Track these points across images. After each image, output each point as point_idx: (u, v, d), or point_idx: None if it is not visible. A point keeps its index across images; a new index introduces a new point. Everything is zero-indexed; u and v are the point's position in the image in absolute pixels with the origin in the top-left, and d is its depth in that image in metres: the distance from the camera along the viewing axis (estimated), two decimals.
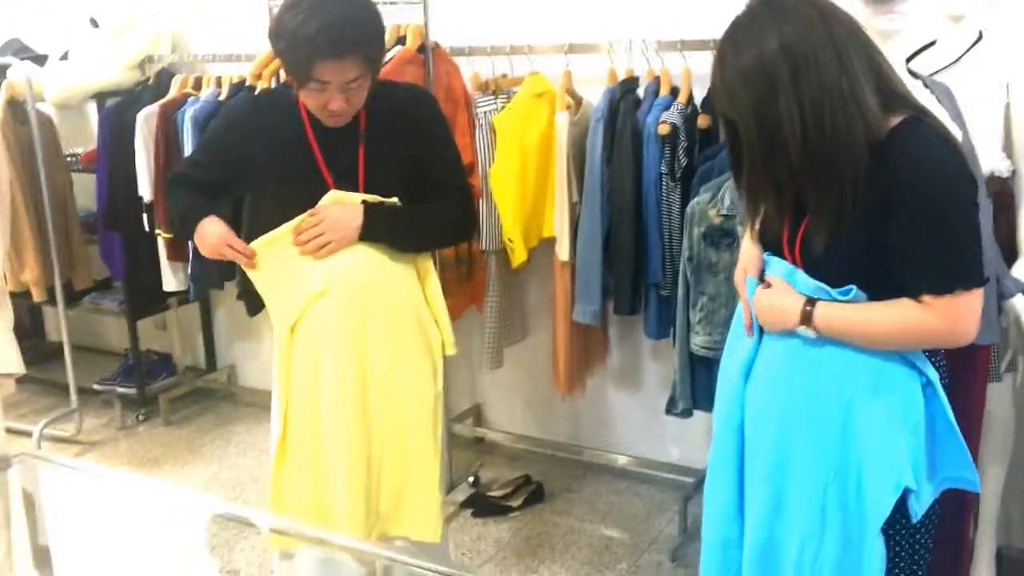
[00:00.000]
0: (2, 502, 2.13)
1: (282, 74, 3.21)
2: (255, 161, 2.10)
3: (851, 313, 1.54)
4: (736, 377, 1.70)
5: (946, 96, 2.16)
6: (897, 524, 1.60)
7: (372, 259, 2.07)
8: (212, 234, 2.07)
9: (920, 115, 1.52)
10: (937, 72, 2.32)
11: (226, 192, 2.25)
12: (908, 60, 2.28)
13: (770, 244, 1.67)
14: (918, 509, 1.57)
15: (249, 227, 2.70)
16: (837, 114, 1.45)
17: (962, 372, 2.23)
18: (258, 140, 2.10)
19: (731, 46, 1.52)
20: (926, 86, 2.15)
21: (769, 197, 1.60)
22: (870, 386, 1.56)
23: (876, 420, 1.56)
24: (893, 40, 2.11)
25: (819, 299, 1.56)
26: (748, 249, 1.74)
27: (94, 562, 1.82)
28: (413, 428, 2.14)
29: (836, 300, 1.56)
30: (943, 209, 1.47)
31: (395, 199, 2.08)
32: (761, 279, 1.68)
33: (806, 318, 1.56)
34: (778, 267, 1.64)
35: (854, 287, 1.54)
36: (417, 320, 2.15)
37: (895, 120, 1.50)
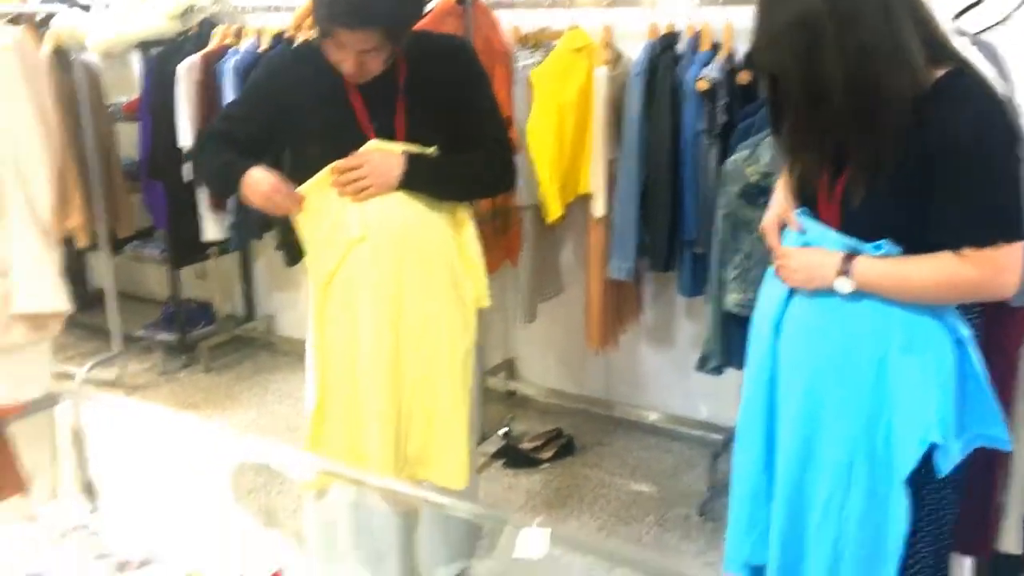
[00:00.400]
0: (50, 437, 2.22)
1: None
2: (294, 113, 2.11)
3: (890, 265, 1.54)
4: (768, 332, 1.71)
5: (992, 55, 2.12)
6: (924, 479, 1.62)
7: (410, 208, 2.09)
8: (262, 181, 2.05)
9: (965, 67, 1.51)
10: (984, 31, 2.28)
11: (262, 147, 2.20)
12: (955, 17, 2.24)
13: (808, 197, 1.66)
14: (945, 465, 1.58)
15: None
16: (882, 67, 1.44)
17: (998, 332, 2.22)
18: (298, 91, 2.11)
19: None
20: (973, 44, 2.11)
21: (810, 150, 1.59)
22: (903, 342, 1.57)
23: (908, 375, 1.56)
24: None
25: (857, 253, 1.56)
26: (782, 201, 1.74)
27: (136, 495, 1.89)
28: (445, 376, 2.17)
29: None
30: (985, 161, 1.46)
31: (433, 149, 2.10)
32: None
33: (844, 270, 1.56)
34: (811, 228, 1.63)
35: (885, 242, 1.54)
36: (452, 271, 2.17)
37: (940, 72, 1.49)
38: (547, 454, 3.32)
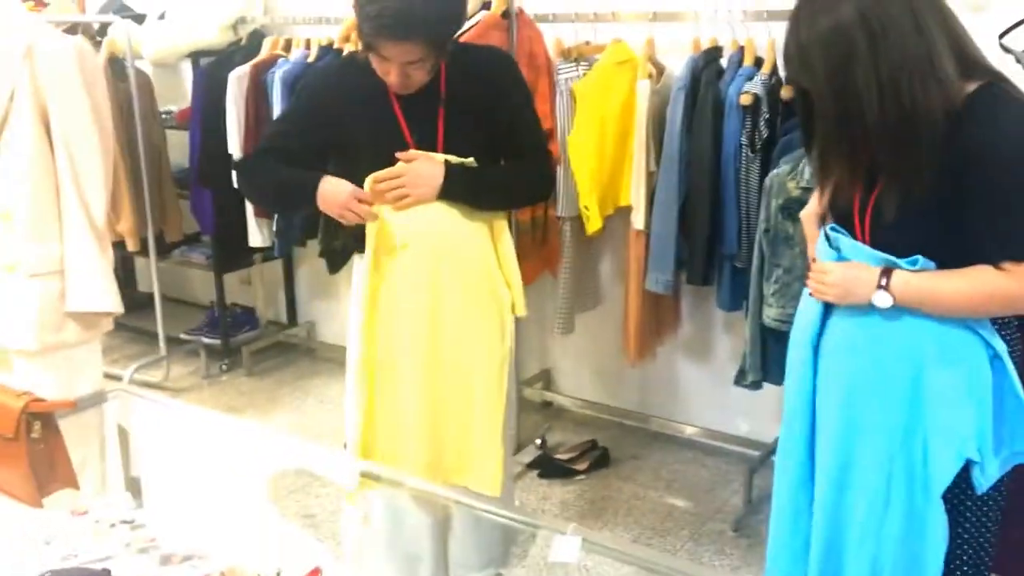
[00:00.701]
0: (98, 433, 2.28)
1: None
2: (341, 123, 2.15)
3: (929, 279, 1.54)
4: (806, 347, 1.71)
5: None
6: (962, 495, 1.61)
7: (448, 217, 2.12)
8: (341, 191, 2.05)
9: (997, 81, 1.50)
10: None
11: (314, 159, 2.20)
12: (1002, 36, 2.23)
13: (841, 212, 1.66)
14: (983, 482, 1.57)
15: None
16: (915, 83, 1.44)
17: None
18: (344, 102, 2.15)
19: (807, 12, 1.51)
20: (1018, 61, 2.11)
21: (842, 165, 1.59)
22: (938, 356, 1.56)
23: (943, 390, 1.56)
24: (985, 12, 2.08)
25: (901, 267, 1.56)
26: (809, 228, 1.76)
27: (180, 493, 1.94)
28: (481, 384, 2.19)
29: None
30: (1019, 175, 1.45)
31: (472, 160, 2.13)
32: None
33: (882, 284, 1.55)
34: (844, 244, 1.63)
35: (920, 257, 1.54)
36: (489, 280, 2.20)
37: (972, 87, 1.49)
38: (582, 465, 3.33)
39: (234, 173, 3.71)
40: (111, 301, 2.25)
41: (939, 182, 1.49)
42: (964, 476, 1.58)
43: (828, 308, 1.68)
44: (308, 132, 2.18)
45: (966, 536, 1.65)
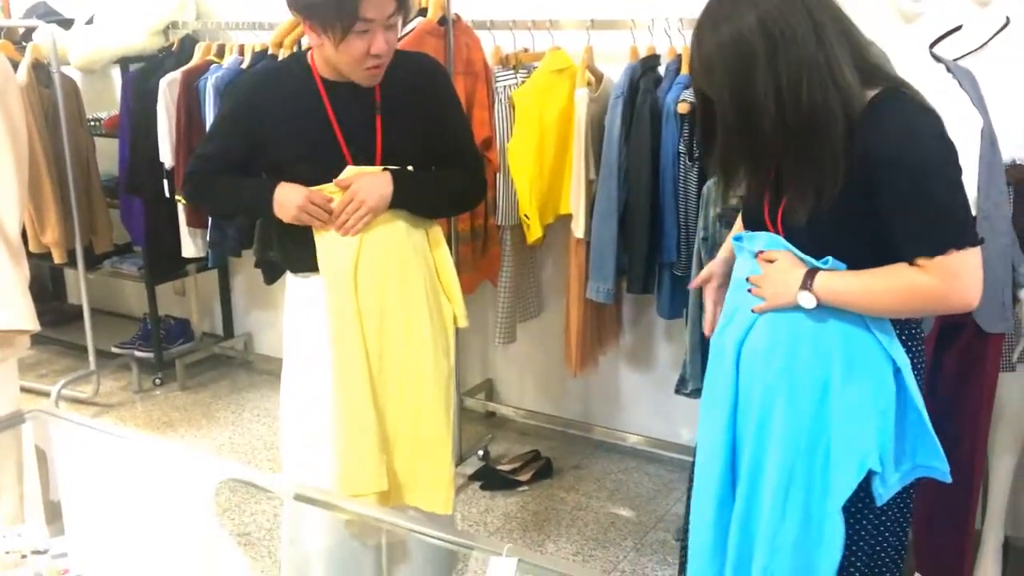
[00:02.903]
0: (15, 456, 2.17)
1: (304, 42, 3.22)
2: (273, 139, 2.07)
3: (852, 278, 1.55)
4: (730, 355, 1.70)
5: (969, 82, 2.14)
6: (862, 505, 1.62)
7: (394, 229, 2.08)
8: (297, 194, 2.01)
9: (898, 86, 1.53)
10: (962, 57, 2.30)
11: (246, 172, 2.15)
12: (932, 45, 2.26)
13: (752, 219, 1.67)
14: (883, 492, 1.58)
15: None
16: (815, 89, 1.46)
17: (974, 361, 2.23)
18: (271, 113, 2.06)
19: (709, 21, 1.52)
20: (949, 71, 2.13)
21: (744, 172, 1.60)
22: (845, 368, 1.57)
23: (848, 402, 1.57)
24: (917, 22, 2.09)
25: (820, 268, 1.57)
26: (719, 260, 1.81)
27: (104, 519, 1.86)
28: (429, 401, 2.14)
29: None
30: (925, 175, 1.47)
31: (409, 168, 2.09)
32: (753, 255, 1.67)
33: (808, 284, 1.56)
34: (762, 238, 1.64)
35: (831, 258, 1.55)
36: (431, 291, 2.15)
37: (873, 93, 1.51)
38: (525, 476, 3.30)
39: (165, 182, 3.67)
40: (26, 319, 2.13)
41: (846, 186, 1.50)
42: (864, 487, 1.59)
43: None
44: (237, 150, 2.12)
45: (863, 545, 1.65)
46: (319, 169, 2.04)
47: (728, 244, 1.85)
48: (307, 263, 2.10)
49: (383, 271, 2.08)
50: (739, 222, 1.83)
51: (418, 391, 2.14)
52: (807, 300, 1.56)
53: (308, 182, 2.04)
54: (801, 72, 1.46)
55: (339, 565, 2.25)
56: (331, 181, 2.04)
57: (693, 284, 1.83)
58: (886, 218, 1.50)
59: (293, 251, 2.14)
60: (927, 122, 1.49)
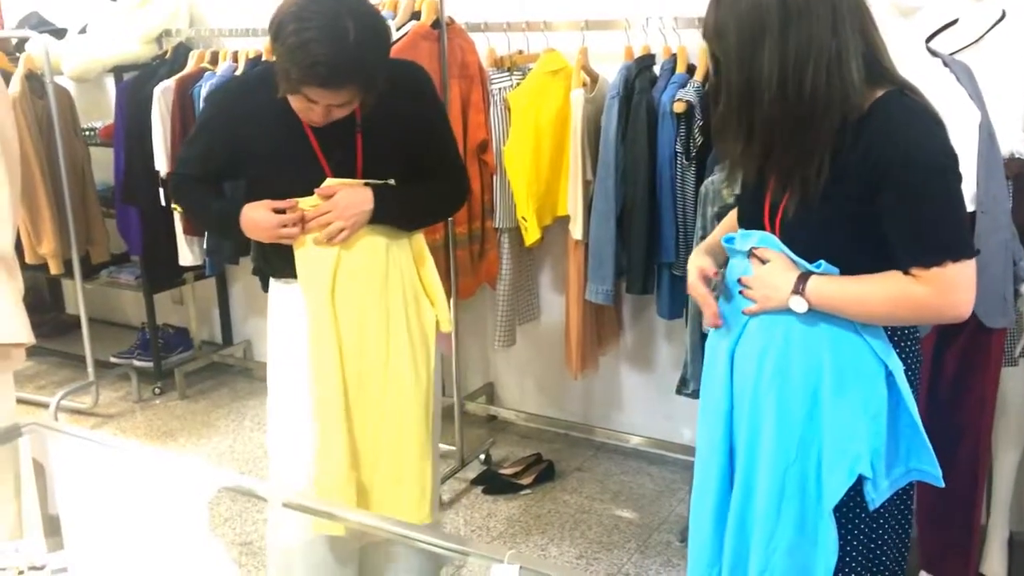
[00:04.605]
0: (13, 470, 2.16)
1: None
2: (250, 143, 2.04)
3: (844, 284, 1.53)
4: (724, 359, 1.69)
5: (966, 76, 2.12)
6: (856, 508, 1.60)
7: (374, 242, 2.06)
8: (263, 219, 1.99)
9: (902, 90, 1.51)
10: (958, 51, 2.29)
11: (226, 179, 2.17)
12: (929, 39, 2.25)
13: (750, 218, 1.65)
14: (875, 497, 1.57)
15: None
16: (819, 74, 1.44)
17: (976, 356, 2.22)
18: (251, 122, 2.03)
19: None
20: (945, 65, 2.11)
21: (735, 142, 1.57)
22: (837, 372, 1.55)
23: (839, 407, 1.55)
24: (914, 17, 2.08)
25: (812, 272, 1.55)
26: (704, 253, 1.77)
27: (104, 532, 1.84)
28: (410, 411, 2.12)
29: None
30: (924, 183, 1.45)
31: (391, 180, 2.06)
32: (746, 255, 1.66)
33: (800, 289, 1.54)
34: (756, 236, 1.62)
35: (823, 262, 1.53)
36: (412, 299, 2.13)
37: (877, 94, 1.49)
38: (527, 479, 3.28)
39: (161, 191, 3.65)
40: (20, 332, 2.11)
41: (845, 188, 1.49)
42: (858, 490, 1.57)
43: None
44: (215, 158, 2.11)
45: (859, 547, 1.64)
46: (299, 183, 2.01)
47: (715, 234, 1.82)
48: (288, 271, 2.09)
49: (362, 281, 2.06)
50: (727, 221, 1.81)
51: (397, 402, 2.12)
52: (798, 304, 1.55)
53: (288, 195, 2.01)
54: (810, 53, 1.44)
55: (322, 572, 2.23)
56: (311, 194, 2.01)
57: (691, 289, 1.80)
58: (885, 224, 1.48)
59: (274, 259, 2.13)
60: (931, 130, 1.47)
